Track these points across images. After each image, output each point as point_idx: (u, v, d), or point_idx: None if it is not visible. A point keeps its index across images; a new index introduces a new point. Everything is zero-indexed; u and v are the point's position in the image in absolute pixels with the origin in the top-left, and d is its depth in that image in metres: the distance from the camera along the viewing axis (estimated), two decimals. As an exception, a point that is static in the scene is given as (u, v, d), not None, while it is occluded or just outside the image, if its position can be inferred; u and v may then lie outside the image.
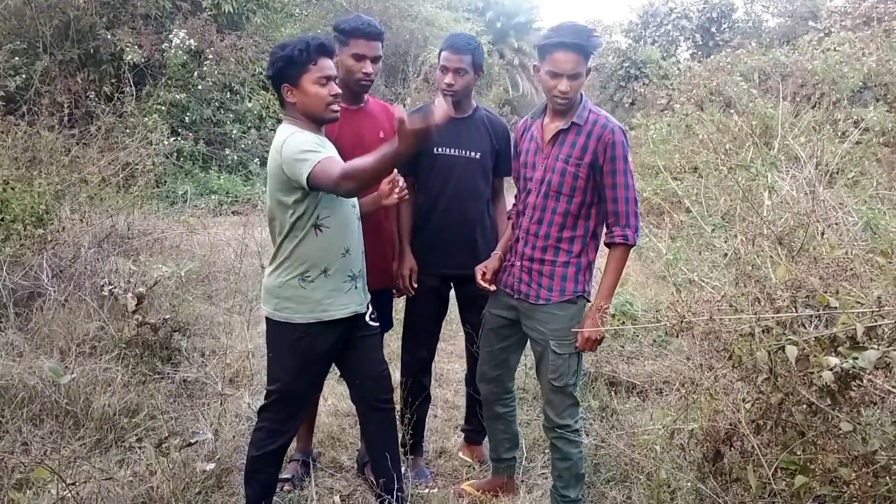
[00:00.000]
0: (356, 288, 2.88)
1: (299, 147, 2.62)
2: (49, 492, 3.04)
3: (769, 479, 2.51)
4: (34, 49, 9.60)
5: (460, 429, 3.97)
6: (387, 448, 3.09)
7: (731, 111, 10.38)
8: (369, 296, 3.04)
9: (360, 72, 3.14)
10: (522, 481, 3.58)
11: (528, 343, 3.17)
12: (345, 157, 3.04)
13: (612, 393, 4.34)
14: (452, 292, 3.66)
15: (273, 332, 2.87)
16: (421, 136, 2.38)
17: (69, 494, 2.88)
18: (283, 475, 3.49)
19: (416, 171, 3.44)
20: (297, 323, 2.79)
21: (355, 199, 2.86)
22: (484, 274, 3.11)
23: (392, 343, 5.06)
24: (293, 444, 3.68)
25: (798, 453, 2.56)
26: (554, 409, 3.04)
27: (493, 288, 3.12)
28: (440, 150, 3.39)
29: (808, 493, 2.46)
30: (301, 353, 2.82)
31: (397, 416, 3.29)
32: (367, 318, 3.00)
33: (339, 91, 2.78)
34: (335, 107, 2.77)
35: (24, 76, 8.85)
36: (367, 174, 2.52)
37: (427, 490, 3.49)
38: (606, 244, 2.93)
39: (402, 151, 2.45)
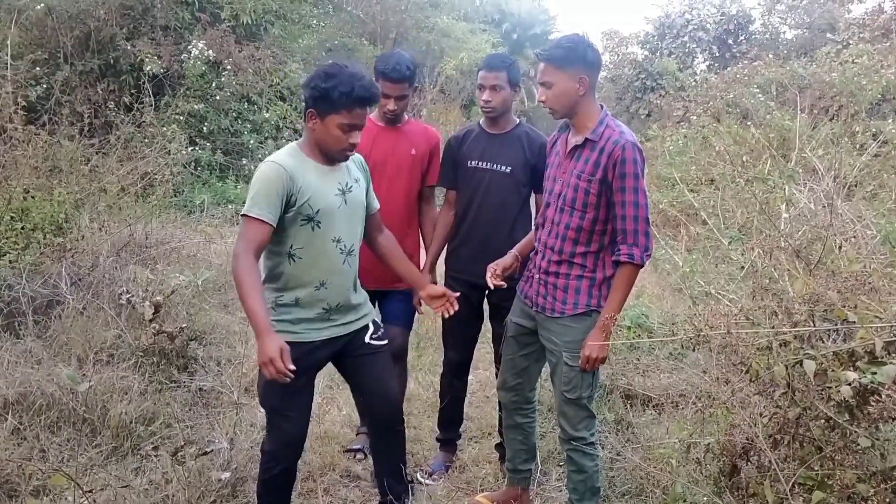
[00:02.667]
0: (329, 320, 2.84)
1: (256, 184, 2.63)
2: (66, 499, 3.07)
3: (786, 495, 2.49)
4: (55, 59, 9.69)
5: (495, 445, 3.97)
6: (391, 464, 3.10)
7: (749, 123, 10.33)
8: (369, 315, 3.02)
9: (384, 107, 3.46)
10: (537, 494, 3.57)
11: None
12: (377, 173, 3.34)
13: (628, 406, 4.32)
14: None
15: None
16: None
17: (86, 502, 2.90)
18: (353, 446, 3.83)
19: (456, 182, 3.63)
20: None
21: (339, 234, 2.78)
22: (494, 270, 3.11)
23: (408, 353, 5.08)
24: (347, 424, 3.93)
25: (816, 468, 2.54)
26: (568, 422, 3.03)
27: (502, 284, 3.10)
28: (473, 163, 3.55)
29: (825, 508, 2.44)
30: None
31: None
32: (369, 338, 2.98)
33: (358, 142, 2.76)
34: (349, 153, 2.78)
35: (44, 86, 8.93)
36: (238, 288, 2.58)
37: (429, 480, 3.69)
38: (613, 261, 2.91)
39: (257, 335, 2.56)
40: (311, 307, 2.77)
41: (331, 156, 2.77)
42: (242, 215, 2.64)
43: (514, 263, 3.17)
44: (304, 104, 2.76)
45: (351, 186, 2.84)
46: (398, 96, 3.43)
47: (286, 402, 2.84)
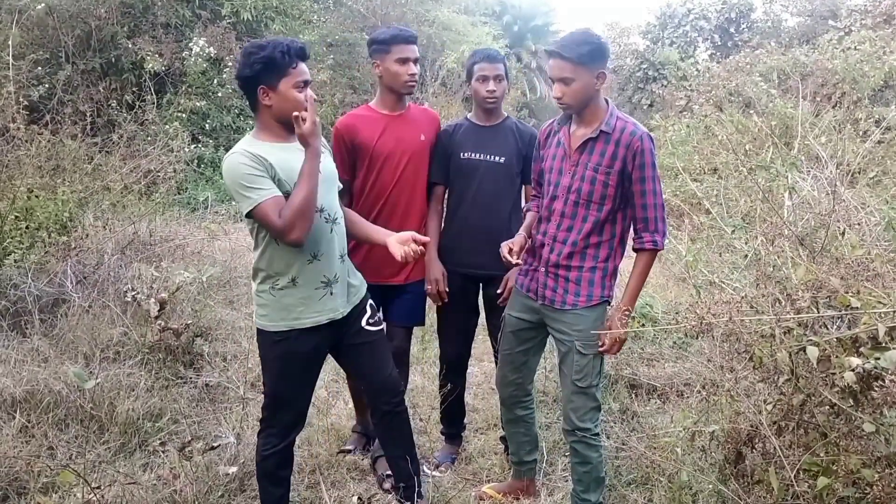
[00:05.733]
0: (332, 294, 2.82)
1: (238, 181, 2.57)
2: (75, 495, 3.09)
3: (791, 481, 2.50)
4: (57, 59, 9.72)
5: (500, 437, 3.96)
6: (400, 449, 3.12)
7: (751, 112, 10.30)
8: (361, 298, 3.00)
9: (406, 73, 3.34)
10: (543, 484, 3.58)
11: (550, 344, 3.18)
12: (386, 161, 3.30)
13: (633, 395, 4.33)
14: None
15: (258, 337, 2.88)
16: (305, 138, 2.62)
17: (94, 498, 2.92)
18: (346, 447, 3.76)
19: (447, 177, 3.59)
20: (270, 330, 2.79)
21: (321, 203, 2.73)
22: (511, 248, 3.06)
23: (413, 346, 5.08)
24: (354, 417, 3.94)
25: (820, 454, 2.55)
26: (576, 412, 3.03)
27: (519, 261, 3.04)
28: (466, 155, 3.52)
29: (830, 494, 2.45)
30: (279, 359, 2.82)
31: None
32: (365, 323, 2.97)
33: (313, 96, 2.73)
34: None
35: (47, 86, 8.95)
36: (302, 208, 2.57)
37: (435, 472, 3.69)
38: (635, 249, 2.93)
39: (308, 157, 2.60)
40: (309, 283, 2.76)
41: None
42: (252, 210, 2.57)
43: (526, 243, 3.17)
44: (246, 92, 2.70)
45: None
46: (416, 59, 3.38)
47: (296, 392, 2.89)
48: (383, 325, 3.08)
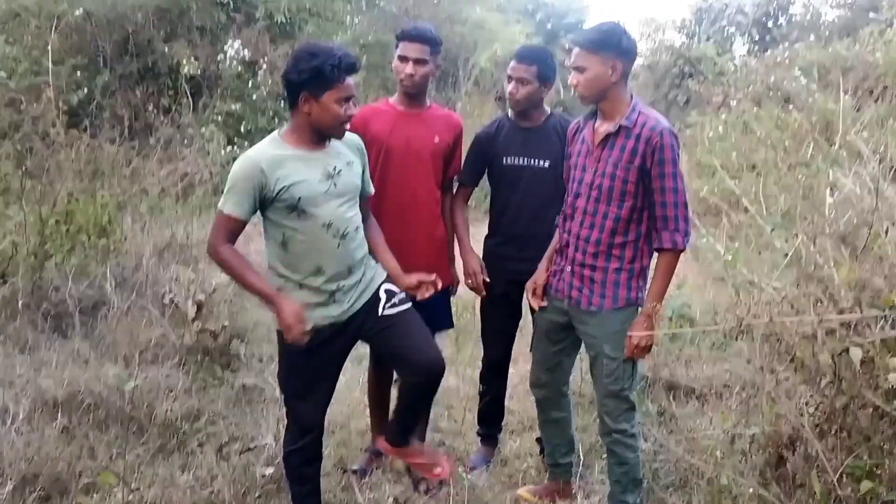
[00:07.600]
0: (335, 302, 2.80)
1: (230, 179, 2.67)
2: (115, 496, 3.13)
3: (834, 485, 2.44)
4: (95, 64, 9.87)
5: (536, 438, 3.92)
6: (413, 406, 3.05)
7: (790, 107, 10.13)
8: (372, 293, 2.90)
9: (402, 72, 3.23)
10: (580, 487, 3.55)
11: (583, 346, 3.15)
12: (395, 160, 3.23)
13: (671, 397, 4.27)
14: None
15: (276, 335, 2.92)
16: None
17: (134, 499, 2.95)
18: (353, 466, 3.63)
19: (477, 179, 3.59)
20: (279, 329, 2.79)
21: (329, 219, 2.70)
22: (535, 291, 3.13)
23: (447, 347, 5.07)
24: (367, 435, 3.83)
25: (864, 458, 2.49)
26: (610, 414, 3.00)
27: (544, 304, 3.14)
28: (508, 160, 3.46)
29: (874, 498, 2.39)
30: (285, 354, 2.85)
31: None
32: (382, 310, 2.87)
33: (354, 112, 2.74)
34: (346, 126, 2.75)
35: (85, 91, 9.09)
36: (231, 273, 2.75)
37: (466, 470, 3.61)
38: (655, 249, 2.88)
39: (271, 306, 2.69)
40: (315, 292, 2.76)
41: (329, 133, 2.73)
42: (217, 210, 2.70)
43: (548, 275, 3.16)
44: (288, 93, 2.69)
45: (340, 170, 2.76)
46: (416, 59, 3.20)
47: (306, 388, 2.88)
48: (408, 304, 2.92)
